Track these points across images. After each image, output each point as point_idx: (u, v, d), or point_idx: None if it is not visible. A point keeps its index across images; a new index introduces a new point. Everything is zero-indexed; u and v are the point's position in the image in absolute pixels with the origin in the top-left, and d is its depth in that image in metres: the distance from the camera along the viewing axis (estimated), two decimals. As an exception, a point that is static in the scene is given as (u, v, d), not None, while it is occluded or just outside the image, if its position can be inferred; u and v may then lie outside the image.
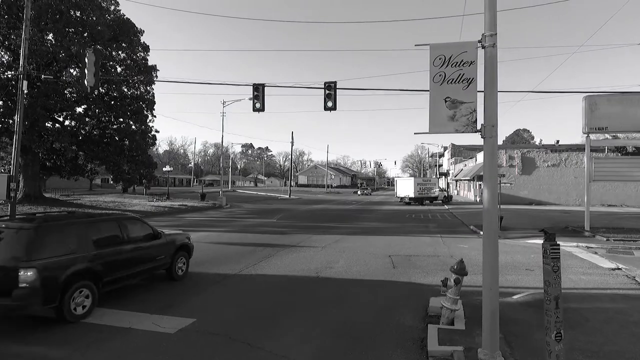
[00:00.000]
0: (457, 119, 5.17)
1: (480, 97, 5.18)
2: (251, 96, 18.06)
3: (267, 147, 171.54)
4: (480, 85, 5.23)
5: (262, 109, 17.93)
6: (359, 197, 64.40)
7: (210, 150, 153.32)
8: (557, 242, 4.03)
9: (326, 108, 17.36)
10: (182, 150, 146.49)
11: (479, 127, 5.11)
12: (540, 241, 15.97)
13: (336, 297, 8.10)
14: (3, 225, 6.69)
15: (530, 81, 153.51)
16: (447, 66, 5.20)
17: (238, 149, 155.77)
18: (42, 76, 20.62)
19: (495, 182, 4.97)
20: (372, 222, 24.43)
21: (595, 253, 13.57)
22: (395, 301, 7.88)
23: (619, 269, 10.93)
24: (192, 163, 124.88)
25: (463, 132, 5.20)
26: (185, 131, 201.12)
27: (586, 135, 18.67)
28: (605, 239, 16.05)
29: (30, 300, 6.07)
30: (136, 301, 7.69)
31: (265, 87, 18.08)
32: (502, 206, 21.49)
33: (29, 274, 6.02)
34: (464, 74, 5.15)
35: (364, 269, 10.76)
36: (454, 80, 5.18)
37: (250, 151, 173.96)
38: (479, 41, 5.13)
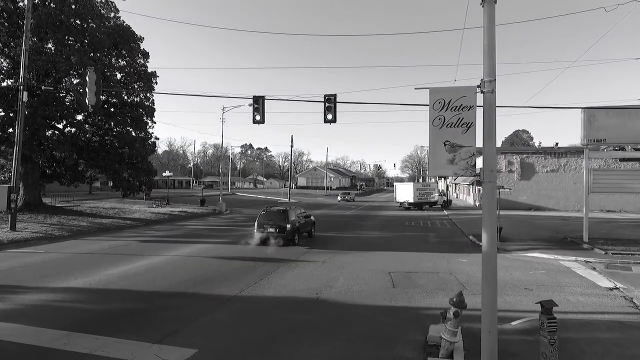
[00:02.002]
0: (456, 163, 5.24)
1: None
2: (251, 102, 18.16)
3: (267, 147, 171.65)
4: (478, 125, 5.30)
5: (262, 121, 17.96)
6: (346, 202, 60.48)
7: (210, 151, 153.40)
8: (554, 316, 4.07)
9: (326, 121, 17.41)
10: (181, 151, 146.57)
11: (478, 170, 5.18)
12: (539, 255, 16.11)
13: (336, 324, 8.15)
14: (277, 209, 18.60)
15: (527, 90, 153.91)
16: (446, 110, 5.27)
17: (237, 149, 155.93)
18: (43, 87, 20.65)
19: (494, 229, 5.03)
20: (371, 232, 24.49)
21: (594, 269, 13.65)
22: (396, 328, 7.93)
23: (616, 288, 11.00)
24: (192, 164, 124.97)
25: (462, 176, 5.28)
26: (185, 132, 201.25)
27: (585, 147, 18.77)
28: (603, 252, 16.14)
29: (288, 235, 17.34)
30: (137, 328, 7.74)
31: (266, 95, 18.20)
32: (501, 212, 21.59)
33: (288, 226, 17.34)
34: (463, 118, 5.22)
35: (364, 288, 10.82)
36: (453, 124, 5.25)
37: (249, 152, 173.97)
38: (478, 86, 5.20)
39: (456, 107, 5.23)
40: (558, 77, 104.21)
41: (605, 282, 11.64)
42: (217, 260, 14.23)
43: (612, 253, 15.91)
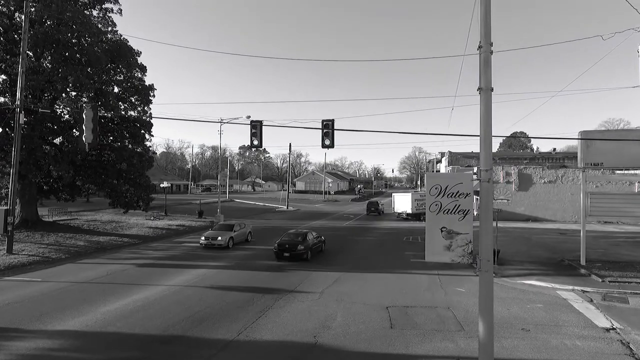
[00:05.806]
0: (453, 249, 5.24)
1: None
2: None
3: (265, 148, 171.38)
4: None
5: (260, 146, 17.95)
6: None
7: (208, 153, 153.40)
8: None
9: (324, 146, 17.41)
10: (179, 153, 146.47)
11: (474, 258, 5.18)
12: (536, 282, 16.13)
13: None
14: (375, 200, 57.24)
15: (526, 98, 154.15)
16: (442, 196, 5.27)
17: (235, 150, 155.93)
18: (40, 110, 20.61)
19: (491, 321, 5.03)
20: (368, 251, 24.47)
21: (591, 301, 13.71)
22: (392, 384, 7.94)
23: (613, 329, 11.03)
24: (190, 165, 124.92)
25: (459, 263, 5.28)
26: (183, 135, 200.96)
27: (582, 170, 18.83)
28: (600, 279, 16.18)
29: (379, 212, 50.91)
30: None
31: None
32: (499, 224, 21.63)
33: (379, 207, 51.82)
34: (459, 206, 5.22)
35: (362, 329, 10.82)
36: (449, 211, 5.25)
37: (247, 153, 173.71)
38: (474, 173, 5.20)
39: (453, 193, 5.22)
40: (553, 96, 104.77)
41: (602, 321, 11.67)
42: (215, 292, 14.20)
43: (609, 281, 15.94)
